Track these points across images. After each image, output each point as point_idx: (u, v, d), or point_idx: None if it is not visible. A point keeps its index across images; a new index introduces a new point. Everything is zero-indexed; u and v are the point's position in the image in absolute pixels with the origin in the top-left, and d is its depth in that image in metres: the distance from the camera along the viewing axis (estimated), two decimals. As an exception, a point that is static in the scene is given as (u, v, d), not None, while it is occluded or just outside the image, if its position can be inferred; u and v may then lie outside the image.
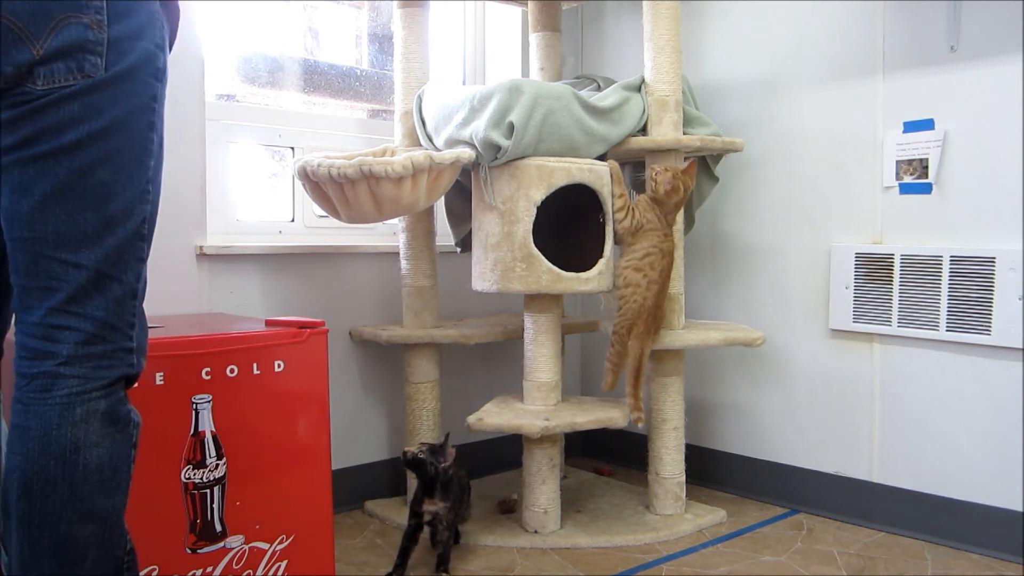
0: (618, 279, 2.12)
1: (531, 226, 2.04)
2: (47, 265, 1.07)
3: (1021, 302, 1.98)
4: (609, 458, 2.90)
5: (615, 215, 2.13)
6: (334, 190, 2.00)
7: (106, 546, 1.10)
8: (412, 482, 2.35)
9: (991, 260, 2.01)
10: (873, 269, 2.23)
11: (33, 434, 1.06)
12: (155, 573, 1.53)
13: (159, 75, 1.14)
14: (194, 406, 1.57)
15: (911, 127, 2.16)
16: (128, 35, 1.09)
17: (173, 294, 2.09)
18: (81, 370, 1.08)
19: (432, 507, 1.93)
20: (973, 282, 2.05)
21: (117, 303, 1.11)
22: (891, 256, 2.19)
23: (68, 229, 1.07)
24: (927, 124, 2.13)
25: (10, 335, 1.27)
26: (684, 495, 2.33)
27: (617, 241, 2.16)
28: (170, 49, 1.20)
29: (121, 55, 1.08)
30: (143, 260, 1.15)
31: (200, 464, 1.58)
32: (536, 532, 2.16)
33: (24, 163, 1.05)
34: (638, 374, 2.11)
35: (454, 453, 1.94)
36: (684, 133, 2.26)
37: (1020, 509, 2.01)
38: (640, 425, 2.15)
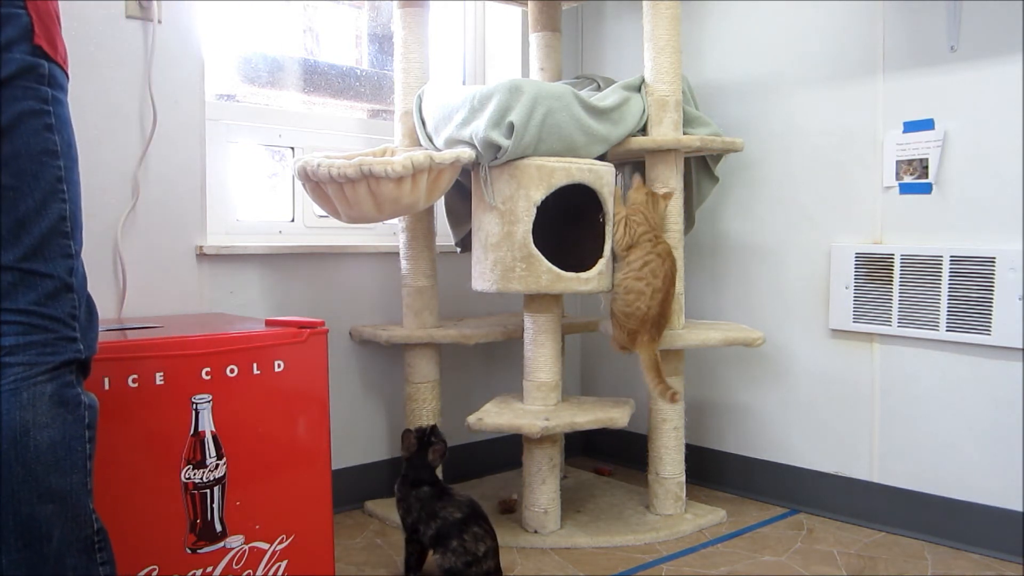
0: (619, 288, 2.12)
1: (531, 226, 2.04)
2: None
3: (1021, 302, 1.98)
4: (609, 458, 2.90)
5: (613, 233, 2.14)
6: (334, 190, 2.00)
7: (70, 525, 1.14)
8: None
9: (991, 260, 2.01)
10: (873, 269, 2.23)
11: None
12: (155, 573, 1.53)
13: (43, 80, 1.15)
14: (194, 406, 1.57)
15: (911, 127, 2.16)
16: (3, 47, 1.11)
17: (173, 294, 2.09)
18: (25, 357, 1.12)
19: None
20: (973, 282, 2.05)
21: (50, 297, 1.15)
22: (891, 256, 2.19)
23: None
24: (927, 124, 2.13)
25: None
26: (684, 495, 2.33)
27: (614, 257, 2.16)
28: (57, 55, 1.20)
29: (1, 66, 1.10)
30: (71, 256, 1.18)
31: (200, 464, 1.58)
32: (536, 532, 2.16)
33: None
34: (658, 370, 2.11)
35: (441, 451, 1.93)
36: (684, 133, 2.26)
37: (1020, 509, 2.01)
38: (678, 400, 2.19)
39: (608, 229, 2.14)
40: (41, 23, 1.17)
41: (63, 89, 1.20)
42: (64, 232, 1.17)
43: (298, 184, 2.24)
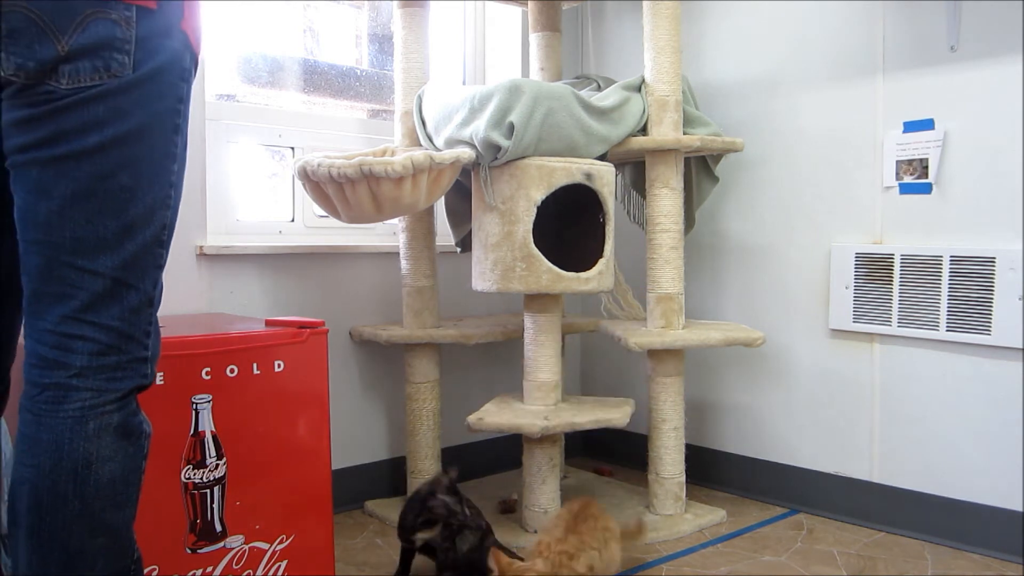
0: None
1: (531, 226, 2.03)
2: (62, 271, 1.03)
3: (1021, 302, 1.98)
4: (609, 458, 2.90)
5: None
6: (334, 190, 2.00)
7: (115, 557, 1.08)
8: (415, 482, 2.35)
9: (991, 260, 2.01)
10: (873, 269, 2.23)
11: (44, 447, 1.02)
12: (155, 573, 1.53)
13: (185, 75, 1.10)
14: (194, 406, 1.57)
15: (911, 127, 2.16)
16: (156, 32, 1.04)
17: (173, 294, 2.09)
18: (95, 382, 1.04)
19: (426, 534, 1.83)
20: (973, 282, 2.05)
21: (133, 312, 1.08)
22: (891, 256, 2.19)
23: (86, 234, 1.03)
24: (927, 124, 2.13)
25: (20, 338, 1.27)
26: (684, 495, 2.33)
27: None
28: (197, 48, 1.15)
29: (149, 54, 1.03)
30: (161, 267, 1.12)
31: (200, 464, 1.58)
32: (536, 532, 2.16)
33: (43, 164, 1.01)
34: None
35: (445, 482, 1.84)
36: (684, 133, 2.26)
37: (1020, 509, 2.01)
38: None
39: (608, 229, 2.14)
40: (191, 11, 1.09)
41: (191, 85, 1.13)
42: (162, 241, 1.11)
43: (298, 184, 2.24)
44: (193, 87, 2.16)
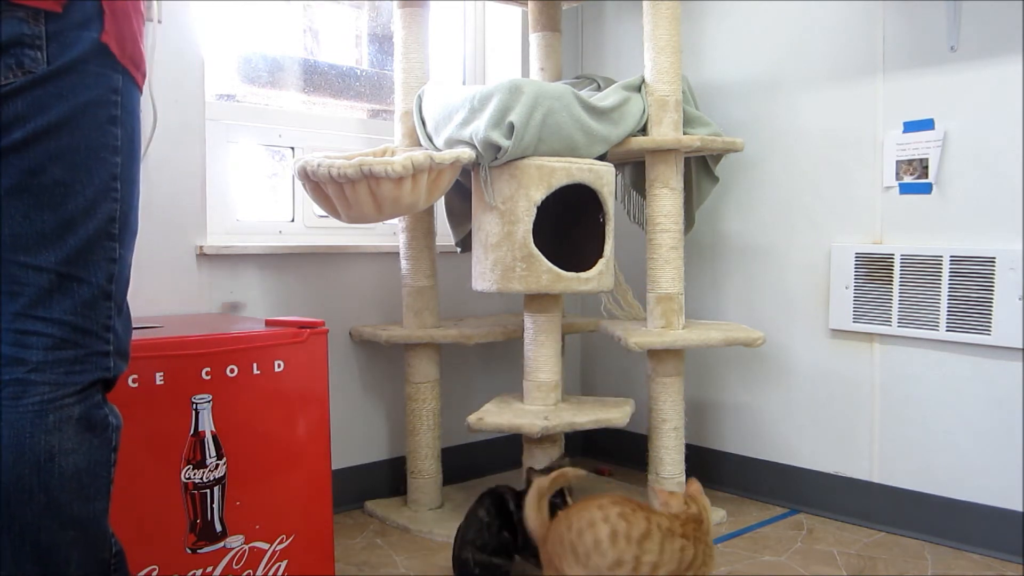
0: None
1: (531, 226, 2.03)
2: (7, 268, 1.03)
3: (1021, 302, 1.98)
4: (609, 458, 2.90)
5: None
6: (334, 190, 2.00)
7: (90, 550, 1.08)
8: (415, 482, 2.35)
9: (991, 260, 2.01)
10: (873, 269, 2.23)
11: (5, 443, 1.02)
12: (155, 573, 1.53)
13: (117, 65, 1.08)
14: (194, 406, 1.57)
15: (911, 127, 2.16)
16: (71, 26, 1.03)
17: (173, 294, 2.09)
18: (52, 376, 1.04)
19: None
20: (973, 282, 2.05)
21: (86, 305, 1.07)
22: (891, 256, 2.19)
23: (24, 230, 1.02)
24: (927, 124, 2.13)
25: None
26: (684, 495, 2.33)
27: None
28: (140, 37, 1.12)
29: (64, 47, 1.02)
30: (115, 260, 1.10)
31: (200, 464, 1.58)
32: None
33: None
34: None
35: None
36: (684, 133, 2.26)
37: (1020, 509, 2.01)
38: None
39: (608, 229, 2.14)
40: (113, 18, 1.08)
41: (135, 79, 1.11)
42: (111, 234, 1.09)
43: (298, 184, 2.24)
44: (193, 87, 2.17)
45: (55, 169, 1.03)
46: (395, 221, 2.37)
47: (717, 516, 2.31)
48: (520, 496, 1.90)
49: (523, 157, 2.03)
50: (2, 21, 0.98)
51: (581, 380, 3.05)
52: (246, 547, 1.65)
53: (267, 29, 2.44)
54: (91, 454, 1.07)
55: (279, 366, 1.68)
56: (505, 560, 1.83)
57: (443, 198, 2.42)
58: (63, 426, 1.04)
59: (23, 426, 1.02)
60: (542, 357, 2.17)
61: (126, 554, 1.16)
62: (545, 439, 2.14)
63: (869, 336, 2.26)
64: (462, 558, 1.82)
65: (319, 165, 1.96)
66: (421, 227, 2.32)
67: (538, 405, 2.17)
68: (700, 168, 2.47)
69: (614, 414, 2.12)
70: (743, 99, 2.52)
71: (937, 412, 2.14)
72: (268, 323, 1.78)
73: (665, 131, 2.22)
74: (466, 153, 2.05)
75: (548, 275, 2.05)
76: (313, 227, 2.45)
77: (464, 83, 2.89)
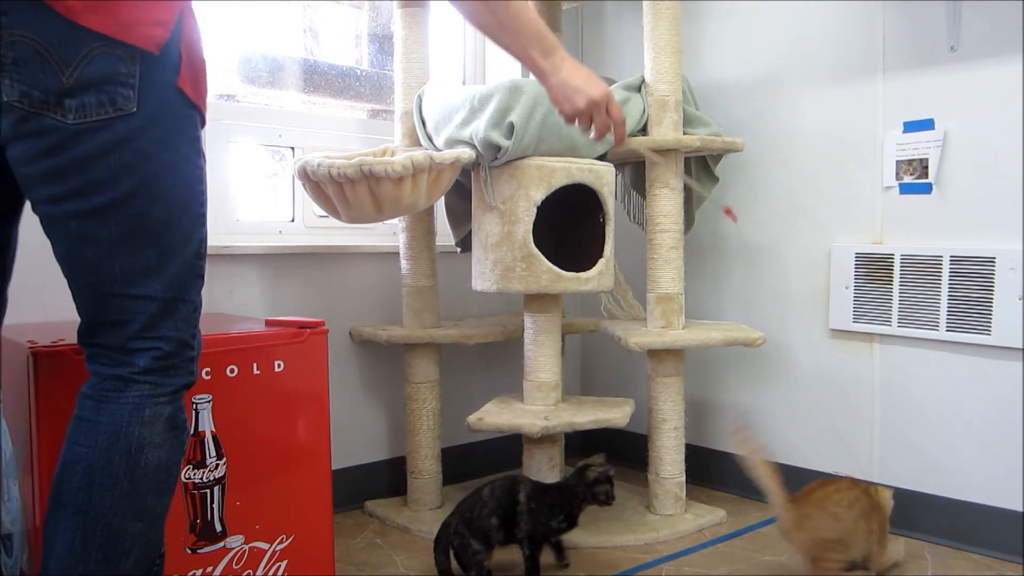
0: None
1: (531, 226, 2.04)
2: (119, 302, 1.11)
3: (1021, 302, 1.98)
4: (609, 458, 2.89)
5: None
6: (334, 190, 2.00)
7: (148, 546, 1.14)
8: (415, 483, 2.35)
9: (991, 260, 2.01)
10: (873, 269, 2.23)
11: (103, 429, 1.09)
12: (155, 573, 1.53)
13: (192, 105, 1.14)
14: (194, 406, 1.57)
15: (911, 127, 2.16)
16: (159, 68, 1.08)
17: (173, 294, 2.09)
18: (153, 378, 1.13)
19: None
20: (973, 282, 2.05)
21: (185, 320, 1.16)
22: (891, 256, 2.19)
23: (133, 266, 1.10)
24: (927, 124, 2.13)
25: (6, 325, 1.29)
26: (684, 495, 2.33)
27: None
28: (203, 66, 1.18)
29: (154, 88, 1.07)
30: (203, 276, 1.19)
31: (200, 464, 1.58)
32: (536, 532, 2.16)
33: (81, 216, 1.06)
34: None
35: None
36: (684, 133, 2.26)
37: (1020, 509, 2.01)
38: None
39: (608, 229, 2.14)
40: (186, 29, 1.13)
41: (204, 114, 1.18)
42: (200, 254, 1.18)
43: (298, 184, 2.24)
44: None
45: (157, 210, 1.10)
46: (395, 221, 2.36)
47: (717, 516, 2.31)
48: (541, 490, 1.90)
49: (523, 157, 2.03)
50: (98, 57, 1.02)
51: (581, 380, 3.05)
52: (246, 547, 1.65)
53: (267, 29, 2.44)
54: (172, 452, 1.15)
55: (279, 366, 1.68)
56: (481, 545, 1.82)
57: (443, 198, 2.42)
58: (155, 422, 1.12)
59: (122, 415, 1.10)
60: (542, 357, 2.17)
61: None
62: (545, 439, 2.14)
63: (869, 336, 2.26)
64: (448, 522, 1.85)
65: (319, 165, 1.96)
66: (421, 227, 2.32)
67: (538, 405, 2.17)
68: (700, 168, 2.47)
69: (614, 414, 2.12)
70: (743, 99, 2.52)
71: (937, 412, 2.14)
72: (268, 323, 1.78)
73: (665, 131, 2.22)
74: (466, 153, 2.05)
75: (548, 275, 2.05)
76: (313, 227, 2.45)
77: (464, 83, 2.89)
